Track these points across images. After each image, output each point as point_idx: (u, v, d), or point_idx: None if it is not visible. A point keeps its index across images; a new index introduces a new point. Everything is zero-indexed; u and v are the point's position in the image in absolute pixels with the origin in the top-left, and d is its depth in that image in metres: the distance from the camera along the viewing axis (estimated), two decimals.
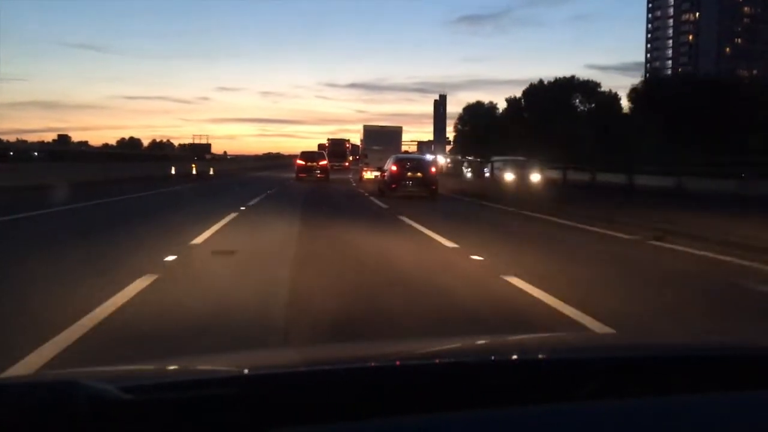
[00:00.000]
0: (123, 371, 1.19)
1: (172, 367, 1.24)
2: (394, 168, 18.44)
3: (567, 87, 49.48)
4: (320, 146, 45.53)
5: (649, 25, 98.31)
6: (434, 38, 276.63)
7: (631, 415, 0.92)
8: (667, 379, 1.04)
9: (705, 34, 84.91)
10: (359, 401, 0.90)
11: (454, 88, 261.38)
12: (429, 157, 27.99)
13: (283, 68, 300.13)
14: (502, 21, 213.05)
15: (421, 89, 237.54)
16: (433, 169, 19.31)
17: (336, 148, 43.07)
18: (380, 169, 21.24)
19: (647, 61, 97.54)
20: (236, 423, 0.84)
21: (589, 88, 49.67)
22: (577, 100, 49.41)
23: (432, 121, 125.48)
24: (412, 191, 17.79)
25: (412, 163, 19.23)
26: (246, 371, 1.08)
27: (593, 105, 46.49)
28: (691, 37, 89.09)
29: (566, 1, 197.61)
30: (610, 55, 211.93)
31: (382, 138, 33.40)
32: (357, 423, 0.86)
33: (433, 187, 18.13)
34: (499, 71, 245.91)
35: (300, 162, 30.03)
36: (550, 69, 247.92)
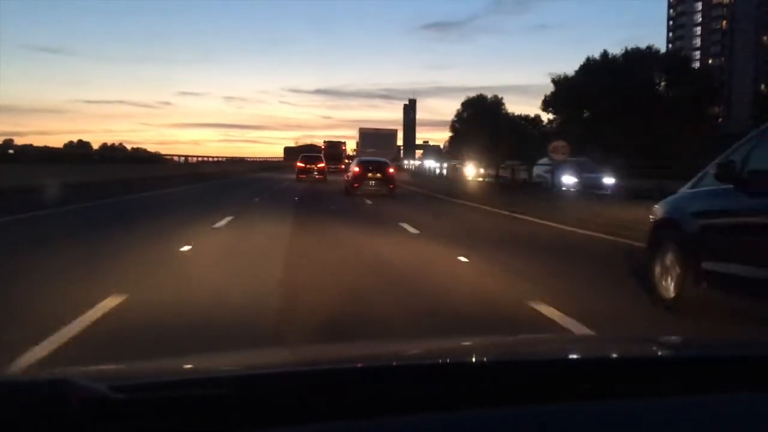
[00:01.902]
0: (114, 370, 1.21)
1: (163, 366, 1.26)
2: (356, 169, 21.42)
3: (646, 60, 37.77)
4: (286, 149, 48.79)
5: (671, 11, 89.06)
6: (399, 45, 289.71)
7: (624, 417, 0.93)
8: (660, 380, 1.05)
9: (741, 20, 75.64)
10: (351, 401, 0.91)
11: (420, 94, 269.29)
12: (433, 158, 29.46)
13: (246, 73, 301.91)
14: (467, 29, 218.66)
15: (387, 96, 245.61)
16: (391, 170, 21.63)
17: (332, 150, 43.45)
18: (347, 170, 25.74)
19: (669, 52, 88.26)
20: (228, 422, 0.84)
21: (677, 62, 38.24)
22: (659, 80, 37.99)
23: (401, 126, 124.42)
24: (373, 190, 20.16)
25: (373, 164, 21.73)
26: (238, 371, 1.13)
27: (691, 84, 35.13)
28: (724, 23, 79.67)
29: (530, 9, 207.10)
30: (575, 64, 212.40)
31: (378, 141, 34.76)
32: (349, 423, 0.87)
33: (391, 186, 20.67)
34: (464, 78, 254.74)
35: (300, 164, 33.36)
36: (514, 76, 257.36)
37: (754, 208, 4.15)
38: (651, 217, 5.34)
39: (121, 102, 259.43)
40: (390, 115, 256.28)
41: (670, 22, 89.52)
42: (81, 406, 0.78)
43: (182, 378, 1.03)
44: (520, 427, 0.89)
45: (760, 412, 0.97)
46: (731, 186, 4.35)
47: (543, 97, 44.98)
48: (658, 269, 4.96)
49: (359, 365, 1.17)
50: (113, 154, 42.64)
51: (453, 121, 70.06)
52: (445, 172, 42.11)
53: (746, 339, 2.06)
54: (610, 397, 0.97)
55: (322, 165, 32.86)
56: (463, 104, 70.90)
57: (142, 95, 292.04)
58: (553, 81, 43.36)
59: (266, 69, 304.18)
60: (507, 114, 68.47)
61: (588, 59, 42.82)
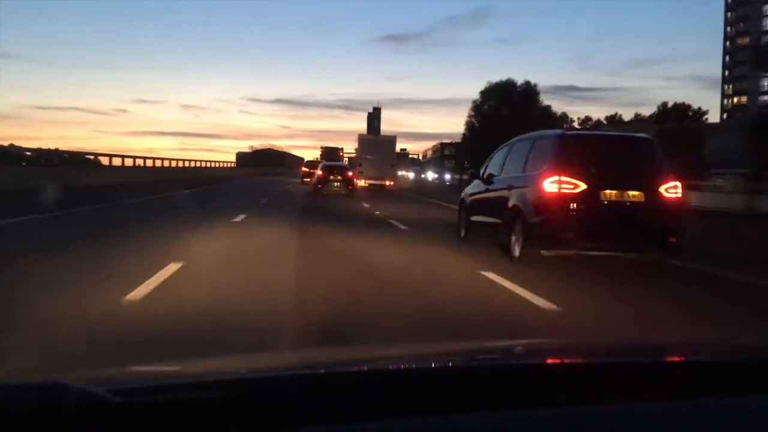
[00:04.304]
0: (112, 373, 1.21)
1: (161, 370, 1.28)
2: (320, 173, 26.24)
3: None
4: (239, 155, 54.56)
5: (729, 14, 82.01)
6: (358, 57, 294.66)
7: (620, 421, 0.96)
8: (657, 385, 1.08)
9: None
10: (350, 405, 0.92)
11: (380, 105, 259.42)
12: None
13: (205, 81, 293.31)
14: (425, 41, 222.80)
15: (346, 106, 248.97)
16: (350, 173, 26.49)
17: (330, 156, 48.09)
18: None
19: (727, 37, 79.60)
20: (225, 426, 0.86)
21: None
22: None
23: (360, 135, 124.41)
24: (335, 190, 24.86)
25: (336, 168, 26.81)
26: (236, 374, 1.15)
27: None
28: None
29: (486, 24, 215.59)
30: (531, 77, 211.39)
31: (376, 147, 34.04)
32: (347, 426, 0.89)
33: (350, 188, 25.28)
34: (422, 90, 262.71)
35: (304, 169, 39.71)
36: (472, 90, 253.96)
37: (484, 190, 9.29)
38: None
39: (74, 109, 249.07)
40: (351, 126, 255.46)
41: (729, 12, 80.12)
42: (79, 410, 0.79)
43: (180, 382, 1.06)
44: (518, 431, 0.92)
45: (755, 416, 1.00)
46: (479, 181, 9.48)
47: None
48: (460, 223, 10.22)
49: (357, 369, 1.21)
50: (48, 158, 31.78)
51: (469, 116, 56.35)
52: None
53: (739, 342, 2.10)
54: (606, 402, 1.00)
55: None
56: (482, 93, 55.82)
57: (97, 102, 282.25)
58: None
59: (225, 78, 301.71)
60: (543, 106, 55.43)
61: None
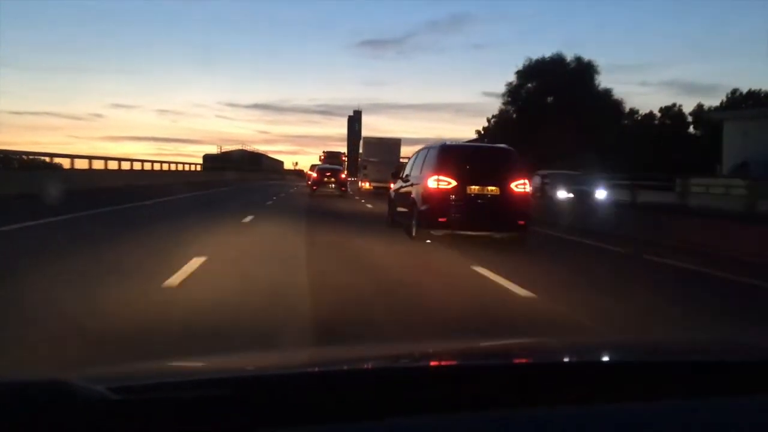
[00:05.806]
0: (113, 372, 1.23)
1: (162, 368, 1.28)
2: (315, 175, 29.08)
3: None
4: (206, 157, 54.29)
5: None
6: (337, 61, 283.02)
7: (620, 419, 0.97)
8: (657, 383, 1.09)
9: None
10: (349, 404, 0.94)
11: (359, 109, 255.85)
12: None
13: (181, 86, 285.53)
14: (405, 46, 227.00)
15: (324, 111, 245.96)
16: (343, 176, 29.11)
17: (331, 160, 48.70)
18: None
19: None
20: (225, 424, 0.87)
21: None
22: None
23: (345, 139, 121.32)
24: (329, 191, 27.58)
25: (329, 171, 29.27)
26: (235, 372, 1.16)
27: None
28: None
29: (464, 30, 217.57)
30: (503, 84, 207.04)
31: (381, 150, 33.83)
32: (347, 425, 0.90)
33: (343, 189, 28.32)
34: (401, 95, 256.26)
35: (310, 172, 42.87)
36: (450, 95, 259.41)
37: (400, 187, 11.96)
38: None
39: (48, 113, 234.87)
40: (330, 131, 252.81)
41: None
42: (79, 407, 0.81)
43: (180, 379, 1.07)
44: (518, 430, 0.93)
45: (755, 416, 1.01)
46: (401, 180, 12.07)
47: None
48: (389, 213, 12.86)
49: (359, 367, 1.22)
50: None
51: (503, 103, 46.06)
52: None
53: (738, 342, 2.09)
54: (606, 402, 1.01)
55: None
56: (519, 74, 44.62)
57: (71, 107, 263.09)
58: None
59: (202, 82, 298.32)
60: (602, 92, 43.86)
61: None
